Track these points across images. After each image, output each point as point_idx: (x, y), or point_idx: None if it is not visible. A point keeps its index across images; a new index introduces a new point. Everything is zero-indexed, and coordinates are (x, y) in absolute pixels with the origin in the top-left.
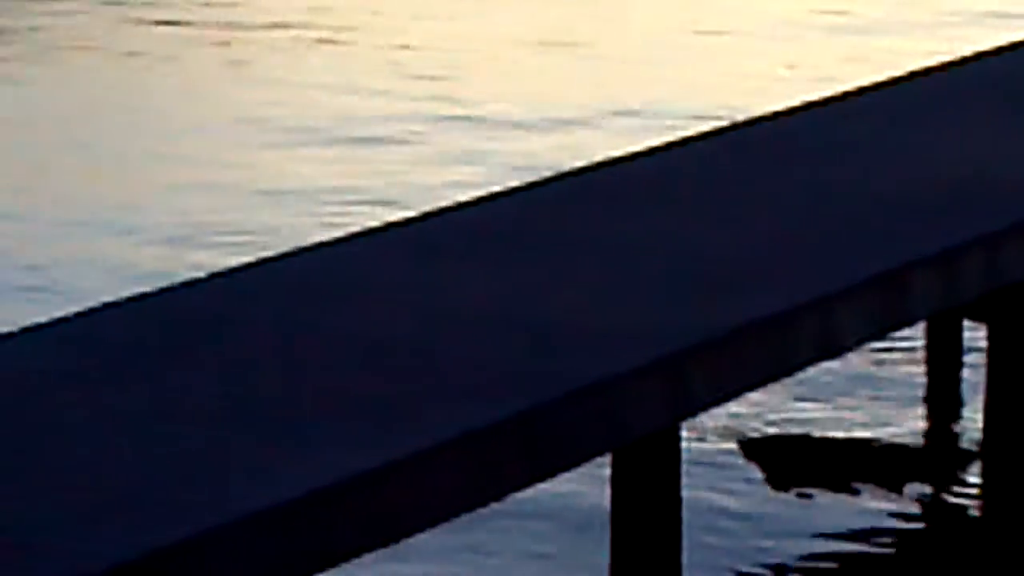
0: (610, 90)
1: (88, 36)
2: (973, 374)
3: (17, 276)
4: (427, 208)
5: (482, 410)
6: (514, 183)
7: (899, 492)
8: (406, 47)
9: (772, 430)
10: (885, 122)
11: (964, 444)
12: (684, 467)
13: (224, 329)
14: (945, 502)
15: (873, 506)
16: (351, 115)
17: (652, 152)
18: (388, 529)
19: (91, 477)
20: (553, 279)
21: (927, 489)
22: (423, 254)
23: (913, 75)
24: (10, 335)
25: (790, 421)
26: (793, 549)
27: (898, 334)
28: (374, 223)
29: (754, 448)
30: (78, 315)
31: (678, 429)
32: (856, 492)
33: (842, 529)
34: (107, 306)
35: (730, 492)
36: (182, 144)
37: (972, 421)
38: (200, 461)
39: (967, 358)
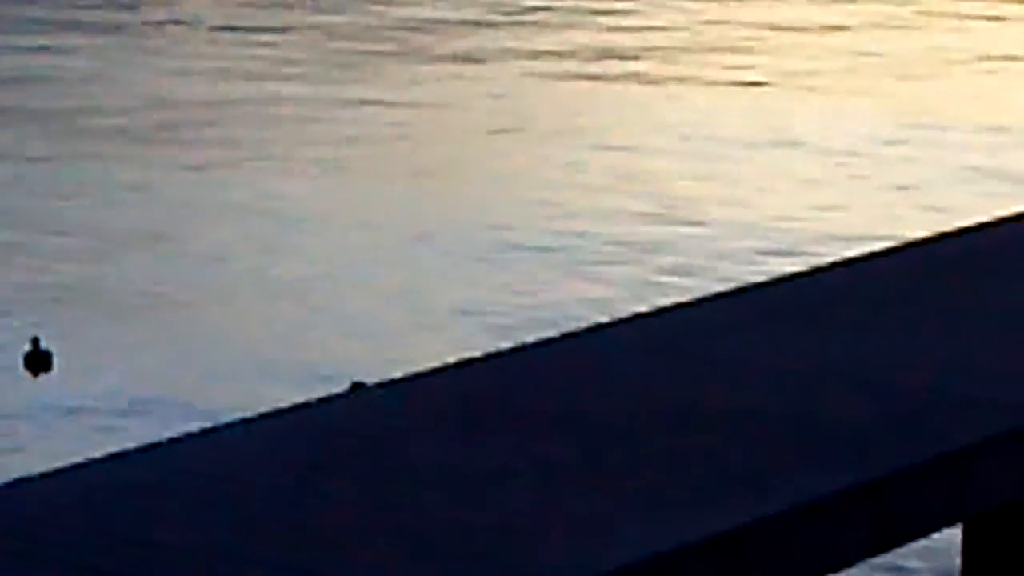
0: None
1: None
2: None
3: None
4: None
5: (831, 477)
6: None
7: None
8: None
9: None
10: None
11: None
12: None
13: (567, 389)
14: None
15: None
16: None
17: (1020, 218)
18: None
19: (444, 531)
20: (907, 346)
21: None
22: (771, 319)
23: None
24: (381, 384)
25: None
26: None
27: None
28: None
29: None
30: (434, 371)
31: None
32: None
33: None
34: (459, 364)
35: None
36: None
37: None
38: (546, 520)
39: None
